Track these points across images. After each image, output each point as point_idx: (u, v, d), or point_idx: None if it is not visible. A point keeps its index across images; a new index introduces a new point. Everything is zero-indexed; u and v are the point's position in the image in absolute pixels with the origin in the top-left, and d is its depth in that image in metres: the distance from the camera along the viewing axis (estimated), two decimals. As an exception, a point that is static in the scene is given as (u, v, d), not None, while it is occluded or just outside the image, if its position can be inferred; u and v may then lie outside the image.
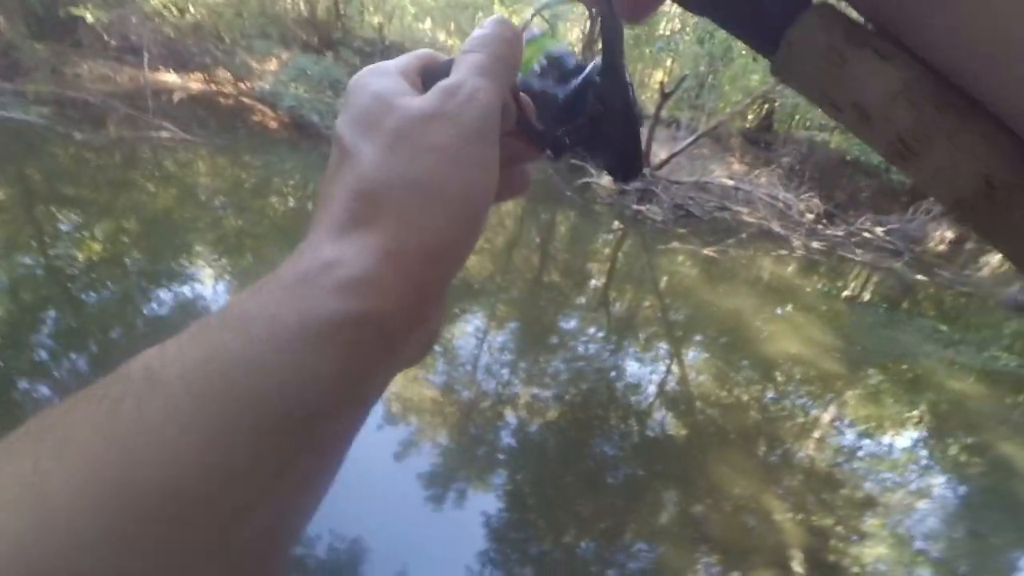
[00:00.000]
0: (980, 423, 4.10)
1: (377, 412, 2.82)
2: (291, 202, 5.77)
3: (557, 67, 0.33)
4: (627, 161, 0.33)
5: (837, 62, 0.22)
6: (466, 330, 3.90)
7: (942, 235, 11.30)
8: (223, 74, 8.50)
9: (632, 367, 4.00)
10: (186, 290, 3.51)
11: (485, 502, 2.49)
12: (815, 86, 0.23)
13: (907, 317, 6.68)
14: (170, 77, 7.91)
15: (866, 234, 9.45)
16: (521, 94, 0.30)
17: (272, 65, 8.75)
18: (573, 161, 10.19)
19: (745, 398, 3.85)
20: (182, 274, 3.69)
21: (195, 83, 8.20)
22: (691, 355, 4.51)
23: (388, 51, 11.26)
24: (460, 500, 2.49)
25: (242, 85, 8.44)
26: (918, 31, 0.20)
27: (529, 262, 5.78)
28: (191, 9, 8.35)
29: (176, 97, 7.32)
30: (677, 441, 3.27)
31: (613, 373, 3.85)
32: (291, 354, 0.18)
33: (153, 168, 5.64)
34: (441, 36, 13.42)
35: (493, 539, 2.34)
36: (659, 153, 9.53)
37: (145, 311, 3.28)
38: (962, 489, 3.40)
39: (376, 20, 11.29)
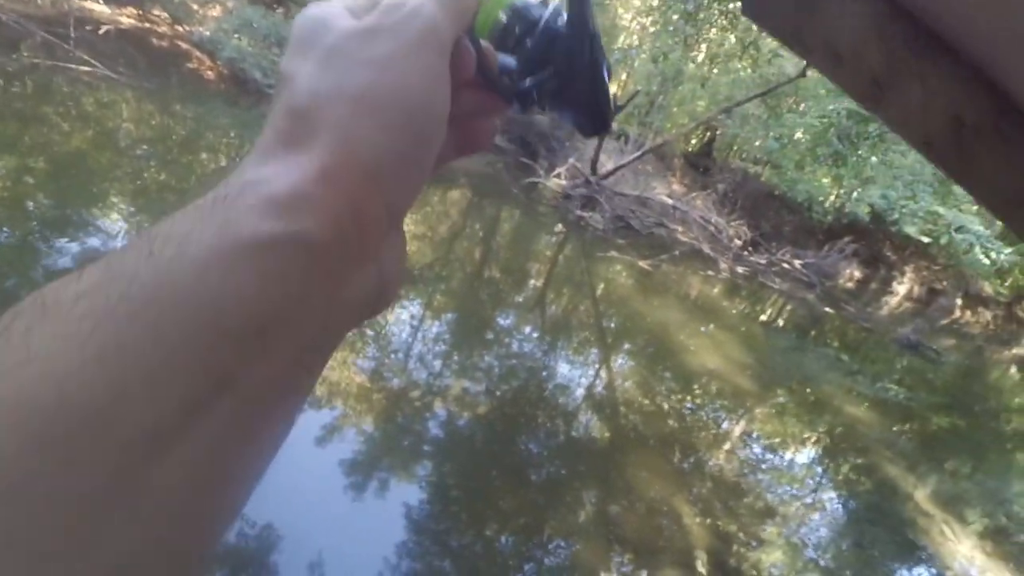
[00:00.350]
0: (870, 447, 4.49)
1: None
2: (223, 160, 5.41)
3: (522, 19, 0.31)
4: (595, 115, 0.32)
5: (808, 2, 0.21)
6: (401, 317, 3.82)
7: (851, 273, 12.36)
8: (159, 13, 7.84)
9: (562, 368, 4.06)
10: (94, 242, 3.20)
11: (408, 492, 2.45)
12: (786, 27, 0.23)
13: (814, 345, 7.23)
14: (98, 7, 7.18)
15: (785, 265, 10.11)
16: (482, 42, 0.28)
17: (215, 11, 8.16)
18: (522, 159, 10.25)
19: (665, 406, 4.01)
20: (90, 225, 3.37)
21: (126, 18, 7.50)
22: (619, 361, 4.64)
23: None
24: (382, 490, 2.43)
25: (179, 28, 7.82)
26: None
27: (471, 256, 5.74)
28: (130, -63, 7.68)
29: (103, 30, 6.65)
30: (599, 443, 3.36)
31: (544, 373, 3.90)
32: (204, 272, 0.16)
33: (69, 104, 5.11)
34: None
35: (413, 530, 2.30)
36: (606, 163, 9.77)
37: (45, 261, 2.97)
38: (850, 505, 3.69)
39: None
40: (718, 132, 13.99)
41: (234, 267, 0.16)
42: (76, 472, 0.13)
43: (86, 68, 5.37)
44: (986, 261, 10.57)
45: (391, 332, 3.59)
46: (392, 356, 3.38)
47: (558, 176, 9.19)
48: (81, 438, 0.13)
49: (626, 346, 5.05)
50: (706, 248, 9.26)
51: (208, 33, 7.43)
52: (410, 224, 5.98)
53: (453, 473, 2.69)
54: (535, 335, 4.49)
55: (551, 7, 0.32)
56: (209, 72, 7.34)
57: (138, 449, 0.14)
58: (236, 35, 7.34)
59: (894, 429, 5.15)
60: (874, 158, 9.78)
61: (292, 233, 0.17)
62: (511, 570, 2.32)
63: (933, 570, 3.18)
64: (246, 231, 0.17)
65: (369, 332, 3.49)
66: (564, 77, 0.30)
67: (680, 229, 9.61)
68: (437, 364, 3.50)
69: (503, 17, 0.31)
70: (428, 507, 2.41)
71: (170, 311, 0.15)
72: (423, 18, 0.22)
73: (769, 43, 10.48)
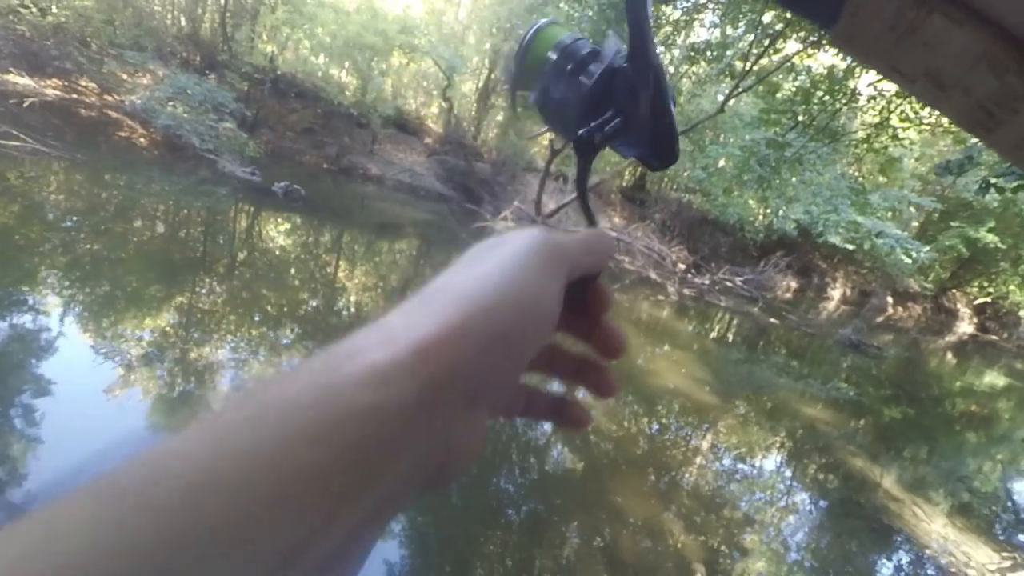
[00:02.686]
0: (831, 444, 4.65)
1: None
2: (160, 227, 5.23)
3: (570, 56, 0.30)
4: (662, 147, 0.30)
5: (906, 30, 0.21)
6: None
7: (788, 284, 13.02)
8: (87, 84, 7.67)
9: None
10: (24, 320, 3.00)
11: (384, 550, 2.32)
12: (881, 56, 0.23)
13: (763, 355, 7.50)
14: (21, 79, 6.94)
15: (727, 283, 10.56)
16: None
17: (145, 79, 8.07)
18: (467, 205, 10.40)
19: (633, 429, 4.04)
20: (19, 302, 3.16)
21: (51, 89, 7.28)
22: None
23: (279, 81, 10.90)
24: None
25: (108, 97, 7.65)
26: None
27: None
28: (54, 9, 7.50)
29: (27, 102, 6.41)
30: (575, 473, 3.33)
31: (511, 410, 3.86)
32: (300, 443, 0.18)
33: (-7, 179, 4.85)
34: (335, 72, 13.24)
35: (394, 578, 2.20)
36: (548, 204, 10.05)
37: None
38: (822, 502, 3.79)
39: (269, 49, 10.90)
40: (649, 166, 14.70)
41: (331, 437, 0.18)
42: None
43: (13, 143, 5.15)
44: (908, 260, 11.41)
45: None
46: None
47: (505, 219, 9.37)
48: None
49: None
50: (653, 275, 9.58)
51: (140, 102, 7.32)
52: (362, 275, 5.91)
53: (431, 524, 2.59)
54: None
55: (607, 43, 0.30)
56: (142, 139, 7.18)
57: None
58: (171, 103, 7.27)
59: (851, 425, 5.36)
60: (795, 179, 10.51)
61: (376, 404, 0.19)
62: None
63: (912, 552, 3.27)
64: (344, 402, 0.19)
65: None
66: (628, 114, 0.29)
67: (626, 259, 9.93)
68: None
69: (552, 55, 0.30)
70: (409, 563, 2.31)
71: (261, 478, 0.17)
72: (550, 240, 0.25)
73: (687, 84, 11.26)
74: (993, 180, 5.12)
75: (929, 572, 3.11)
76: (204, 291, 4.20)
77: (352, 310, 4.80)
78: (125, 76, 7.92)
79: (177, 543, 0.15)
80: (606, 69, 0.29)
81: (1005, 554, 3.36)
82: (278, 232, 6.52)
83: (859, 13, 0.22)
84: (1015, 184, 4.87)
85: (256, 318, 3.96)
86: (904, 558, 3.22)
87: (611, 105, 0.29)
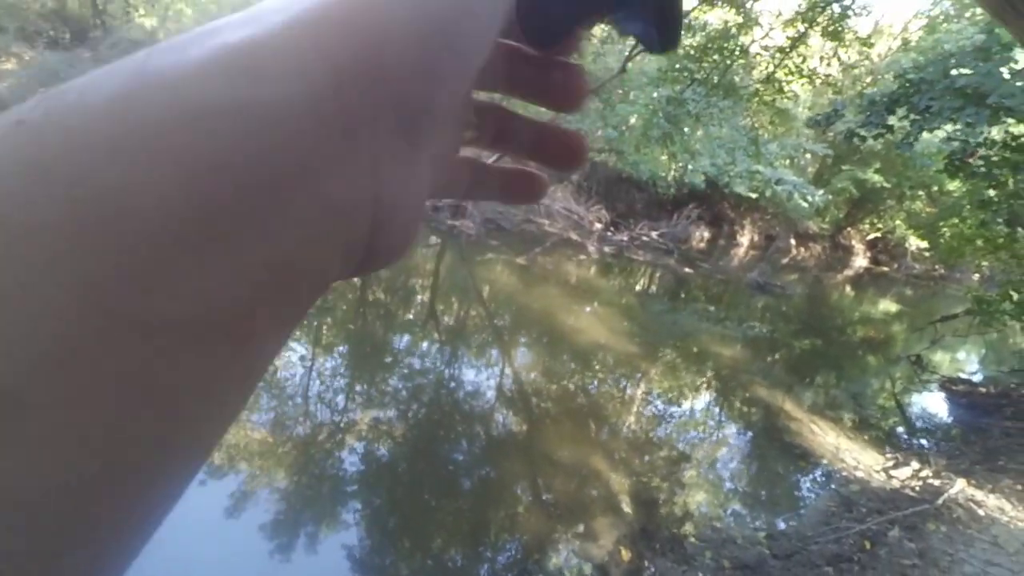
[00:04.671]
0: (751, 379, 5.03)
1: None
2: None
3: None
4: (665, 24, 0.26)
5: None
6: (291, 360, 3.58)
7: (701, 235, 13.73)
8: (-65, 73, 6.64)
9: (468, 374, 4.07)
10: None
11: (344, 537, 2.30)
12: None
13: (684, 304, 7.93)
14: None
15: (644, 238, 10.98)
16: None
17: (10, 64, 7.09)
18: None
19: (570, 386, 4.17)
20: None
21: None
22: (519, 355, 4.75)
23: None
24: (313, 543, 2.26)
25: (-38, 87, 6.65)
26: None
27: (350, 283, 5.53)
28: None
29: None
30: (519, 435, 3.40)
31: (452, 383, 3.87)
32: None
33: None
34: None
35: (360, 570, 2.19)
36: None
37: None
38: (748, 433, 4.11)
39: (149, 23, 9.83)
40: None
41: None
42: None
43: None
44: (805, 204, 12.34)
45: (284, 378, 3.36)
46: (290, 403, 3.17)
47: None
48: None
49: (522, 339, 5.17)
50: (573, 235, 9.79)
51: (7, 89, 6.41)
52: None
53: (385, 504, 2.58)
54: (434, 348, 4.44)
55: None
56: (12, 133, 6.34)
57: None
58: (42, 88, 6.44)
59: (767, 360, 5.83)
60: (698, 133, 10.98)
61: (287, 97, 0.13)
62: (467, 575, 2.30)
63: (811, 462, 3.64)
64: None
65: (259, 383, 3.23)
66: None
67: (547, 222, 10.06)
68: (340, 401, 3.33)
69: None
70: (368, 543, 2.29)
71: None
72: None
73: (592, 44, 11.32)
74: (856, 130, 5.66)
75: (824, 476, 3.49)
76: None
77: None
78: (-14, 64, 6.94)
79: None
80: None
81: (888, 455, 3.84)
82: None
83: None
84: (875, 132, 5.37)
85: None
86: (804, 468, 3.58)
87: None
